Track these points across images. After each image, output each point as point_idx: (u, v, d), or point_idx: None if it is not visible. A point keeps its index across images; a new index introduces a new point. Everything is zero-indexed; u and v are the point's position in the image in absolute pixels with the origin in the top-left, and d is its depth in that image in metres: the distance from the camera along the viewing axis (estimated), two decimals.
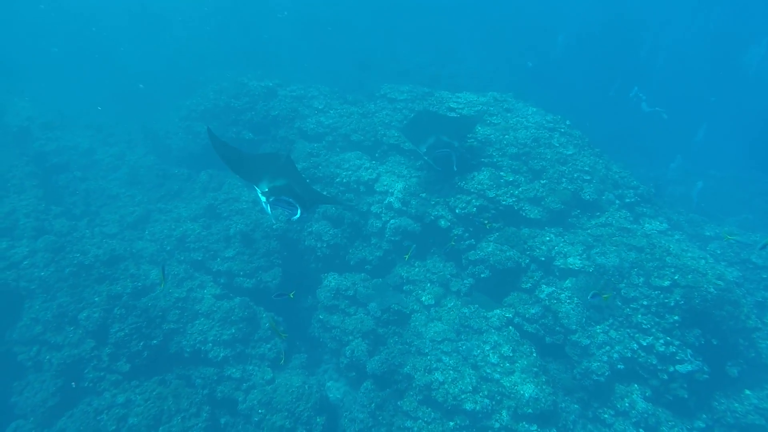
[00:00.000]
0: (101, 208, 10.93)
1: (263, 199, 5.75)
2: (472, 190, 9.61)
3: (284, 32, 23.21)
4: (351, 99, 13.30)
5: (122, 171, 12.13)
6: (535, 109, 11.99)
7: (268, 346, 8.80)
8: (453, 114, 11.62)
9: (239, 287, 9.43)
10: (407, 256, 7.03)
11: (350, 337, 8.87)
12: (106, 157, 12.63)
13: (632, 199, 10.39)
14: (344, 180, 10.64)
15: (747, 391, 8.23)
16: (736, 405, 8.07)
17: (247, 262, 9.68)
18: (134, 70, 17.91)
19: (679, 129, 19.97)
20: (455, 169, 8.34)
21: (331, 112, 12.62)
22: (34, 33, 23.26)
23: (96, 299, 8.59)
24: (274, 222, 5.82)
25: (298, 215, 5.71)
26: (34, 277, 8.96)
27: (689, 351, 7.86)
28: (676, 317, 7.95)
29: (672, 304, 8.02)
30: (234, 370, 8.41)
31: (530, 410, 7.55)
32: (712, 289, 8.07)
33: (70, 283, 8.86)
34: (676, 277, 8.21)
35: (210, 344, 8.50)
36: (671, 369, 7.82)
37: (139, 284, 8.97)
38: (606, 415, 7.91)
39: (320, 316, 9.28)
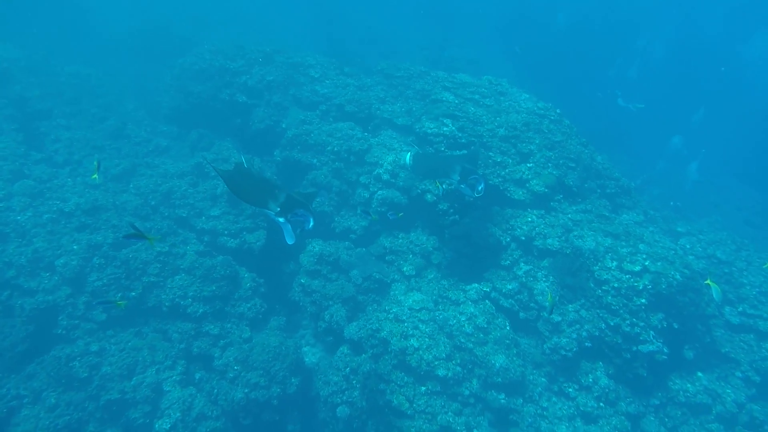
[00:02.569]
0: (85, 158, 10.26)
1: (281, 220, 5.29)
2: None
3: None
4: (348, 71, 12.79)
5: (109, 123, 11.37)
6: (528, 96, 11.74)
7: (248, 305, 8.44)
8: (449, 96, 11.23)
9: (223, 246, 9.00)
10: (400, 215, 6.79)
11: (330, 302, 8.57)
12: (93, 107, 11.82)
13: (613, 190, 10.33)
14: (335, 149, 10.23)
15: (699, 373, 8.33)
16: (689, 386, 8.15)
17: (233, 222, 9.23)
18: (128, 24, 16.84)
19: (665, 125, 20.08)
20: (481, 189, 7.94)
21: (327, 82, 12.12)
22: None
23: (75, 247, 8.07)
24: (293, 239, 5.43)
25: (312, 224, 5.36)
26: (9, 220, 8.36)
27: (652, 333, 7.84)
28: (643, 300, 7.89)
29: (640, 288, 7.95)
30: (212, 326, 8.03)
31: (500, 379, 7.44)
32: (678, 277, 8.04)
33: (48, 230, 8.30)
34: (647, 263, 8.14)
35: (189, 300, 8.08)
36: (634, 349, 7.80)
37: (121, 235, 8.47)
38: (570, 389, 7.87)
39: (302, 280, 8.93)
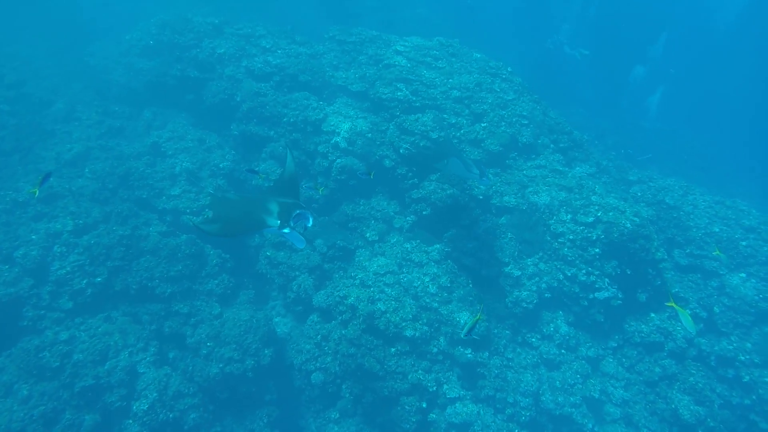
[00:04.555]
0: (35, 145, 9.80)
1: (286, 231, 4.99)
2: (416, 132, 9.31)
3: None
4: (300, 40, 12.40)
5: (57, 106, 10.84)
6: (480, 55, 11.65)
7: (216, 281, 8.40)
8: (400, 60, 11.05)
9: (186, 225, 8.85)
10: (371, 175, 6.79)
11: (297, 273, 8.61)
12: (38, 90, 11.19)
13: (566, 144, 10.47)
14: (291, 120, 10.04)
15: (652, 314, 8.71)
16: (643, 326, 8.53)
17: (194, 201, 9.05)
18: (63, 2, 15.78)
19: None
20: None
21: (279, 51, 11.75)
22: None
23: (33, 237, 7.83)
24: (303, 242, 5.20)
25: (311, 221, 5.07)
26: None
27: (607, 280, 8.16)
28: (597, 250, 8.16)
29: (594, 238, 8.21)
30: (182, 305, 7.99)
31: (477, 316, 7.66)
32: (628, 225, 8.30)
33: (3, 221, 8.01)
34: (599, 214, 8.38)
35: (157, 281, 7.99)
36: (591, 296, 8.12)
37: (81, 222, 8.24)
38: (533, 339, 8.17)
39: (267, 253, 8.91)
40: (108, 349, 7.31)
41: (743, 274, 9.24)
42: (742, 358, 8.35)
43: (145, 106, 11.26)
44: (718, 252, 7.40)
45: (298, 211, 4.97)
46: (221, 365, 7.41)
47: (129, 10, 15.72)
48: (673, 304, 5.98)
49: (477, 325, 5.37)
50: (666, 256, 9.13)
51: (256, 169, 9.49)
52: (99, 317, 7.64)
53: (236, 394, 7.57)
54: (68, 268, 7.70)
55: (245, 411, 7.63)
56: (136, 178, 9.24)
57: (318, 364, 7.75)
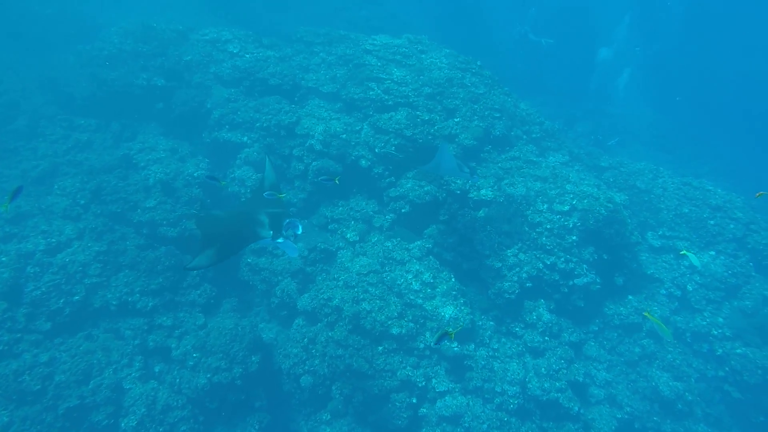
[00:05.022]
0: None
1: (280, 240, 5.09)
2: (390, 130, 9.36)
3: None
4: (267, 42, 12.26)
5: (19, 123, 10.49)
6: (448, 51, 11.75)
7: (198, 292, 8.31)
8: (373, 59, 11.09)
9: (164, 236, 8.70)
10: (336, 180, 6.81)
11: (279, 278, 8.58)
12: None
13: (538, 135, 10.67)
14: (264, 124, 9.97)
15: (630, 297, 8.99)
16: (621, 309, 8.80)
17: (170, 211, 8.90)
18: (17, 12, 15.18)
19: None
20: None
21: (247, 56, 11.60)
22: None
23: (3, 259, 7.60)
24: (296, 251, 5.27)
25: (300, 229, 5.20)
26: None
27: (585, 266, 8.36)
28: (574, 237, 8.36)
29: (570, 225, 8.41)
30: (165, 318, 7.89)
31: (451, 329, 7.74)
32: (603, 211, 8.52)
33: None
34: (574, 202, 8.58)
35: (137, 295, 7.87)
36: (571, 283, 8.30)
37: (53, 240, 8.05)
38: (517, 328, 8.32)
39: (248, 260, 8.85)
40: (91, 367, 7.19)
41: (713, 252, 9.61)
42: (715, 332, 8.70)
43: (112, 118, 10.99)
44: (685, 252, 7.61)
45: (288, 220, 5.07)
46: (209, 375, 7.35)
47: (85, 21, 15.26)
48: (648, 314, 6.20)
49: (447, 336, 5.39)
50: (640, 239, 9.42)
51: (220, 176, 9.50)
52: (79, 336, 7.48)
53: (226, 403, 7.51)
54: (43, 289, 7.52)
55: (236, 419, 7.58)
56: (108, 192, 9.03)
57: (306, 367, 7.75)
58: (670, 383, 8.13)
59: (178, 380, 7.41)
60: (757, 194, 8.43)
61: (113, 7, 15.46)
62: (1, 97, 11.23)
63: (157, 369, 7.61)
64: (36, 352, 7.09)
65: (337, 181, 6.85)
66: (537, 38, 19.28)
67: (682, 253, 7.18)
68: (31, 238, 7.99)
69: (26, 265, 7.64)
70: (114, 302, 7.75)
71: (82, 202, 8.88)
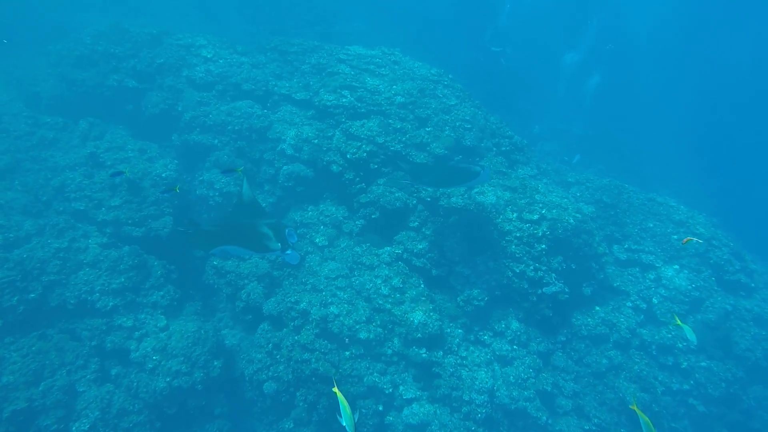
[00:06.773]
0: None
1: (288, 252, 5.36)
2: (362, 137, 9.42)
3: None
4: (241, 50, 12.32)
5: None
6: (421, 63, 11.99)
7: (161, 293, 8.10)
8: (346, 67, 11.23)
9: (128, 236, 8.51)
10: (177, 189, 6.99)
11: (245, 281, 8.44)
12: None
13: (507, 147, 10.87)
14: (236, 128, 9.96)
15: (597, 308, 9.09)
16: (589, 319, 8.88)
17: (136, 211, 8.73)
18: None
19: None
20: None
21: (221, 61, 11.63)
22: None
23: None
24: (297, 258, 5.49)
25: (295, 238, 5.48)
26: None
27: (554, 275, 8.44)
28: (543, 246, 8.46)
29: (540, 234, 8.52)
30: (125, 319, 7.66)
31: (419, 335, 7.71)
32: (571, 221, 8.67)
33: None
34: (544, 212, 8.71)
35: (97, 294, 7.65)
36: (539, 291, 8.36)
37: (11, 235, 7.80)
38: (485, 337, 8.32)
39: (214, 263, 8.71)
40: (43, 368, 6.91)
41: (677, 266, 9.83)
42: (680, 345, 8.83)
43: (80, 117, 10.80)
44: (679, 322, 7.63)
45: (287, 230, 5.37)
46: (168, 379, 7.13)
47: (52, 23, 15.06)
48: (635, 407, 6.20)
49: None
50: (607, 251, 9.58)
51: (189, 179, 9.68)
52: (32, 335, 7.19)
53: (185, 408, 7.30)
54: None
55: (195, 426, 7.37)
56: (72, 189, 8.82)
57: (270, 373, 7.58)
58: (637, 395, 8.20)
59: (135, 383, 7.17)
60: (684, 240, 8.92)
61: (86, 10, 15.32)
62: None
63: (113, 372, 7.35)
64: None
65: (177, 190, 7.06)
66: (498, 48, 19.58)
67: (677, 324, 7.29)
68: None
69: None
70: (72, 301, 7.50)
71: (44, 198, 8.67)
